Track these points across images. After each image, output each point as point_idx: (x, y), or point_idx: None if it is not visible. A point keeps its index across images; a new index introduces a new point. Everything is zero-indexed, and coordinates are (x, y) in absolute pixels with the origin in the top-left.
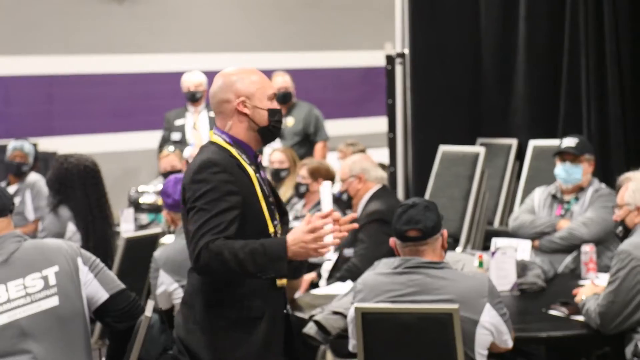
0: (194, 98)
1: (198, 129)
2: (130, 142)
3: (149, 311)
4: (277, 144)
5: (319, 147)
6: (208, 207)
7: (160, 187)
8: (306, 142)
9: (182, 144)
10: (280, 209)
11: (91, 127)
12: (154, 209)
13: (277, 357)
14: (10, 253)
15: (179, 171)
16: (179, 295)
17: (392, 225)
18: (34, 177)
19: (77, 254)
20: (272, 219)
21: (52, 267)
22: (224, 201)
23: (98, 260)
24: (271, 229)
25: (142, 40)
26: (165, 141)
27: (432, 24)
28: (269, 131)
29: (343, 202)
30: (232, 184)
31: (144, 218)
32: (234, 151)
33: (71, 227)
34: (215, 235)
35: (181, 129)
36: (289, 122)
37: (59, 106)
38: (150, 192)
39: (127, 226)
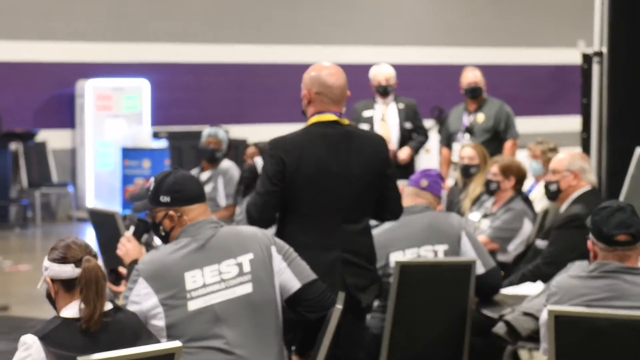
0: (385, 92)
1: (387, 121)
2: None
3: (340, 303)
4: (466, 139)
5: (508, 144)
6: None
7: None
8: (496, 139)
9: None
10: None
11: (279, 116)
12: None
13: None
14: (207, 239)
15: None
16: None
17: (595, 227)
18: (226, 164)
19: (271, 243)
20: None
21: (247, 254)
22: None
23: (291, 249)
24: None
25: (331, 32)
26: None
27: (633, 22)
28: None
29: (550, 193)
30: None
31: None
32: None
33: None
34: None
35: (369, 120)
36: (479, 118)
37: (248, 94)
38: None
39: None
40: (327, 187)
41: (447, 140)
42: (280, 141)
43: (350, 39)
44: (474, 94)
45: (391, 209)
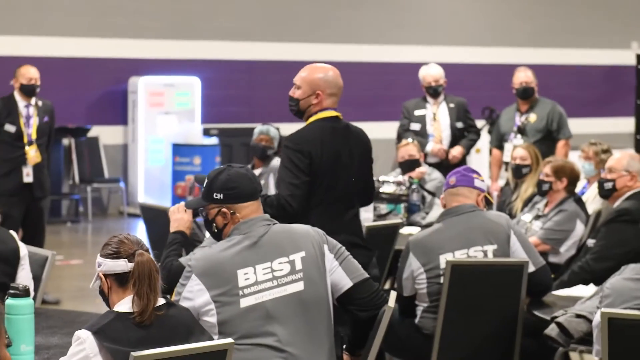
0: (435, 93)
1: (438, 121)
2: (368, 131)
3: (392, 302)
4: (518, 140)
5: (560, 145)
6: None
7: (399, 177)
8: (548, 139)
9: (420, 134)
10: None
11: None
12: (393, 199)
13: None
14: (260, 236)
15: (416, 160)
16: (422, 281)
17: None
18: (277, 162)
19: (323, 241)
20: None
21: (299, 252)
22: None
23: (343, 248)
24: None
25: (386, 31)
26: (404, 130)
27: None
28: None
29: (604, 191)
30: None
31: (383, 208)
32: None
33: None
34: None
35: (421, 119)
36: (531, 118)
37: None
38: (390, 181)
39: (366, 215)
40: (339, 177)
41: (499, 141)
42: (304, 136)
43: (406, 39)
44: (526, 94)
45: (369, 195)
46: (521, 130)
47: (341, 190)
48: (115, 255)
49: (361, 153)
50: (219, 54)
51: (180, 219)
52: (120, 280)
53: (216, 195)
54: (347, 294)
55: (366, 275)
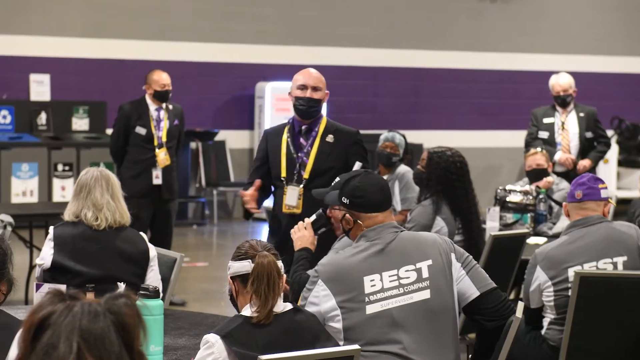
0: (564, 103)
1: (567, 130)
2: (493, 140)
3: (519, 312)
4: None
5: None
6: None
7: (527, 186)
8: None
9: (548, 143)
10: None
11: (457, 123)
12: (520, 209)
13: None
14: (387, 243)
15: (544, 170)
16: (549, 293)
17: None
18: (403, 169)
19: (451, 250)
20: (288, 169)
21: (426, 261)
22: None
23: (470, 257)
24: (283, 174)
25: (512, 39)
26: (532, 138)
27: None
28: (296, 110)
29: None
30: (262, 145)
31: (509, 217)
32: (287, 126)
33: (439, 222)
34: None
35: (549, 127)
36: None
37: (425, 100)
38: (517, 191)
39: (492, 224)
40: None
41: None
42: None
43: (533, 47)
44: None
45: None
46: None
47: None
48: (242, 257)
49: None
50: (343, 60)
51: (302, 236)
52: (244, 281)
53: (343, 199)
54: (474, 303)
55: (493, 284)
